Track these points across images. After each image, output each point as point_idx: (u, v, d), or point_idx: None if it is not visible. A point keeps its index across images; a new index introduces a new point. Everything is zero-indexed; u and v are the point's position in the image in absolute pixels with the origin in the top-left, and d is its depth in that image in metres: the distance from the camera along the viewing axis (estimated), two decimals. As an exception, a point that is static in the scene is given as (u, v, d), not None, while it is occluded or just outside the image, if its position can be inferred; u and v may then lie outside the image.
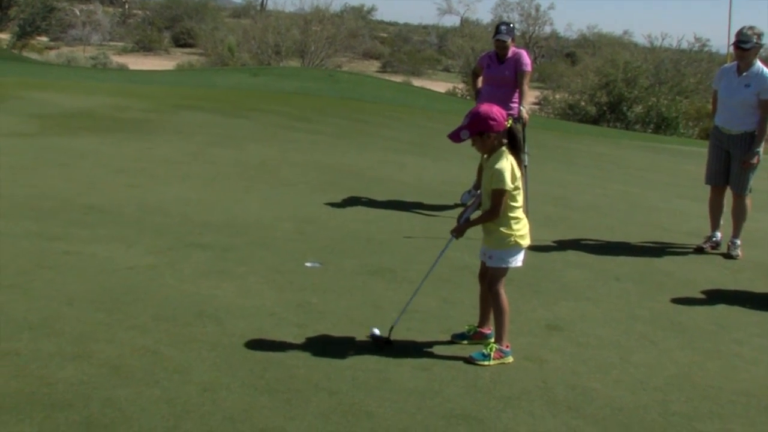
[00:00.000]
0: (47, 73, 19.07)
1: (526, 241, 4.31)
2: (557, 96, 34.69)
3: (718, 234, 7.22)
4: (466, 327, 4.61)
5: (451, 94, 34.61)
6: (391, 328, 4.44)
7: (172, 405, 3.55)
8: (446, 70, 57.59)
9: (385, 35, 75.87)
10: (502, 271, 4.34)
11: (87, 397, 3.55)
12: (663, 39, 46.30)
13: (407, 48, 65.90)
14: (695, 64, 38.73)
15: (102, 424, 3.35)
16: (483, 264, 4.46)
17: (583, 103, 30.70)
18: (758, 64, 6.77)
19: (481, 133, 4.19)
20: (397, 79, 39.65)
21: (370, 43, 64.67)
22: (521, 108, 7.62)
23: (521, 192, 4.30)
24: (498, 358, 4.28)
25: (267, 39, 43.03)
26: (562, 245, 6.97)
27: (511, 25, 7.95)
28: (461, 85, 40.80)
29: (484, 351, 4.29)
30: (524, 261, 4.38)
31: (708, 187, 7.25)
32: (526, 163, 7.58)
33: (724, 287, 6.16)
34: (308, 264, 5.73)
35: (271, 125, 12.83)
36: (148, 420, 3.41)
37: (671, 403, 4.03)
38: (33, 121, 10.97)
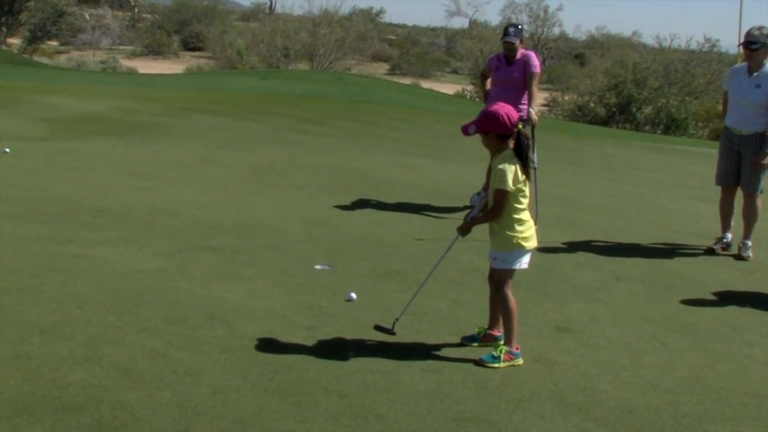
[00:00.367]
0: (58, 78, 19.18)
1: (530, 244, 4.29)
2: (566, 97, 34.65)
3: (729, 235, 7.19)
4: (476, 329, 4.60)
5: (459, 96, 34.64)
6: (395, 321, 4.48)
7: (183, 408, 3.55)
8: (455, 72, 57.59)
9: (393, 37, 75.98)
10: (507, 273, 4.33)
11: (98, 400, 3.56)
12: (672, 40, 46.11)
13: (416, 50, 65.96)
14: (705, 65, 38.61)
15: (113, 427, 3.35)
16: (491, 266, 4.45)
17: (592, 105, 30.67)
18: (769, 64, 6.74)
19: (486, 132, 4.21)
20: (406, 81, 39.70)
21: (379, 45, 64.78)
22: (530, 110, 7.61)
23: (526, 195, 4.29)
24: (508, 360, 4.27)
25: (276, 42, 43.14)
26: (572, 247, 6.95)
27: (520, 27, 7.93)
28: (470, 87, 40.84)
29: (494, 353, 4.29)
30: (530, 263, 4.36)
31: (718, 188, 7.22)
32: (536, 166, 7.59)
33: (735, 288, 6.13)
34: (318, 266, 5.74)
35: (281, 128, 12.86)
36: (159, 423, 3.42)
37: (682, 405, 4.01)
38: (44, 125, 11.03)
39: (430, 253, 6.18)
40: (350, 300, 5.05)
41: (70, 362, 3.89)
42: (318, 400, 3.72)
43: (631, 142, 17.46)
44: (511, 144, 4.23)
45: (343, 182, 8.87)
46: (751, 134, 6.81)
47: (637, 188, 10.56)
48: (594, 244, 7.14)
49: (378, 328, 4.51)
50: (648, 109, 28.66)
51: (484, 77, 8.14)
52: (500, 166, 4.18)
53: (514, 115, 4.23)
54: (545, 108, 34.83)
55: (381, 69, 56.20)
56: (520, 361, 4.31)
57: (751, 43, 6.63)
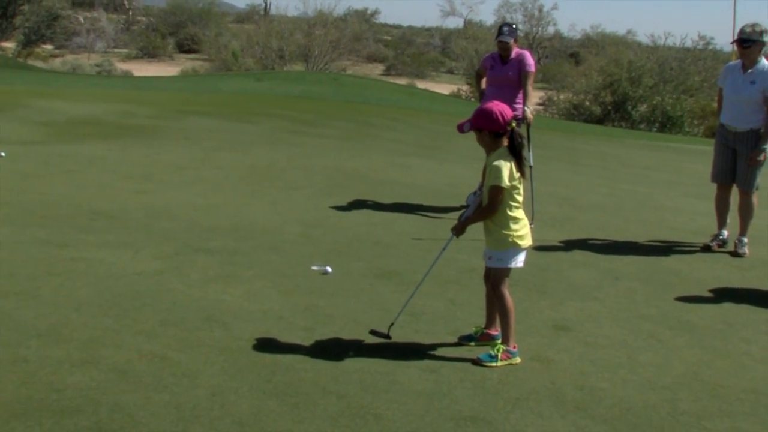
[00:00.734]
0: (53, 81, 19.15)
1: (525, 242, 4.30)
2: (561, 96, 34.73)
3: (725, 232, 7.21)
4: (473, 329, 4.61)
5: (455, 95, 34.66)
6: (391, 324, 4.47)
7: (181, 410, 3.55)
8: (450, 72, 57.70)
9: (388, 38, 76.07)
10: (503, 272, 4.33)
11: (96, 402, 3.56)
12: (666, 38, 46.25)
13: (411, 50, 66.04)
14: (699, 63, 38.70)
15: (111, 430, 3.35)
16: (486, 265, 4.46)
17: (587, 103, 30.73)
18: (763, 61, 6.75)
19: (480, 129, 4.22)
20: (402, 81, 39.76)
21: (374, 46, 64.85)
22: (525, 109, 7.62)
23: (521, 193, 4.29)
24: (505, 359, 4.28)
25: (271, 44, 43.19)
26: (569, 245, 6.96)
27: (514, 26, 7.94)
28: (465, 87, 40.89)
29: (492, 352, 4.29)
30: (527, 261, 4.37)
31: (714, 186, 7.23)
32: (531, 163, 7.60)
33: (732, 285, 6.14)
34: (315, 267, 5.74)
35: (276, 129, 12.86)
36: (157, 425, 3.41)
37: (680, 402, 4.02)
38: (40, 128, 11.02)
39: (427, 253, 6.18)
40: (325, 273, 5.44)
41: (68, 365, 3.89)
42: (316, 401, 3.72)
43: (627, 140, 17.50)
44: (505, 142, 4.24)
45: (340, 183, 8.88)
46: (746, 131, 6.82)
47: (633, 186, 10.57)
48: (590, 242, 7.15)
49: (374, 332, 4.49)
50: (643, 107, 28.73)
51: (479, 76, 8.16)
52: (495, 163, 4.19)
53: (508, 113, 4.24)
54: (540, 107, 34.91)
55: (376, 69, 56.24)
56: (518, 360, 4.32)
57: (744, 41, 6.65)
